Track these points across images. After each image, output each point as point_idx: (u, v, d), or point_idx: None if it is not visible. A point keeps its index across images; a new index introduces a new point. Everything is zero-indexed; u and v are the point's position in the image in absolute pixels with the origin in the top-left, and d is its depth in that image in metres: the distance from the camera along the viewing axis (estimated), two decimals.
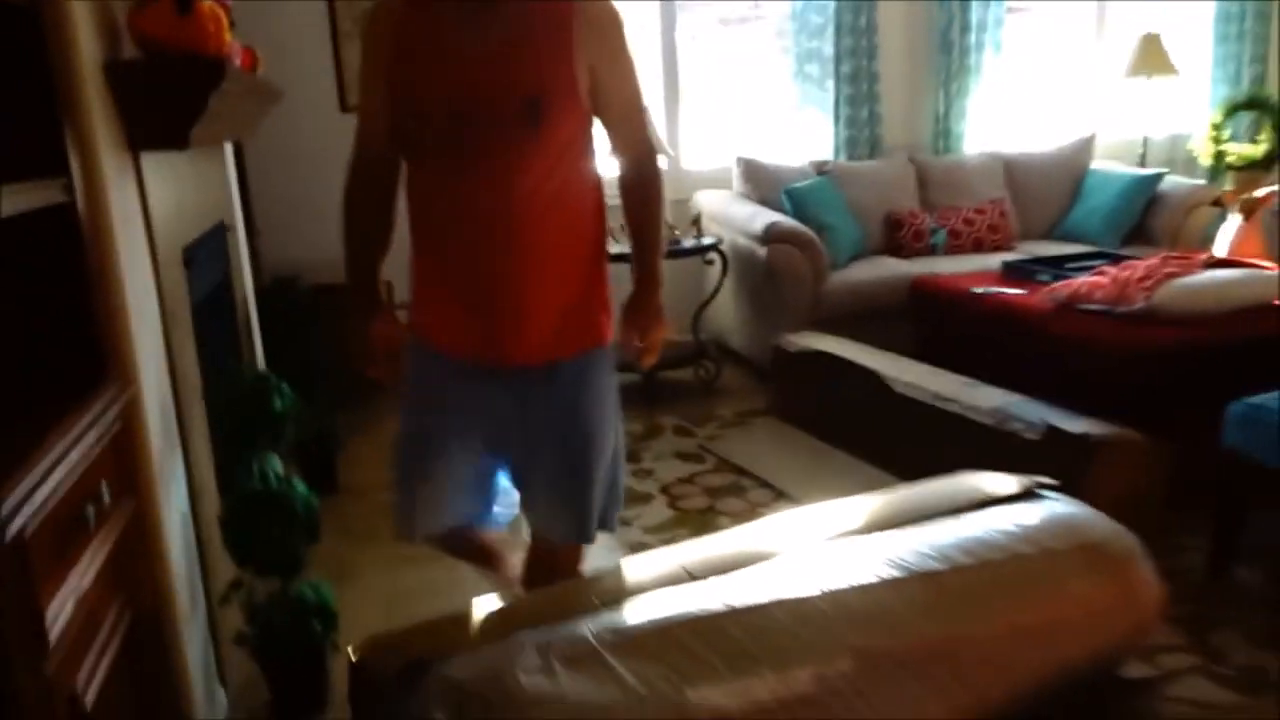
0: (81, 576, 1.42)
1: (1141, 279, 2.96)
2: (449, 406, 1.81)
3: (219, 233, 2.86)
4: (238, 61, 2.31)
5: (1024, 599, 1.82)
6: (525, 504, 1.90)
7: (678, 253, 4.26)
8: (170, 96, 1.90)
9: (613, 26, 1.73)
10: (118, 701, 1.56)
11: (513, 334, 1.76)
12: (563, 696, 1.40)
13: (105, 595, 1.54)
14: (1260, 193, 3.43)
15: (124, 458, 1.71)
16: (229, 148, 3.21)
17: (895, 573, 1.75)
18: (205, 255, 2.61)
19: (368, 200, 1.85)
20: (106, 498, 1.54)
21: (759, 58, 5.05)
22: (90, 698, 1.41)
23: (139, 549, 1.75)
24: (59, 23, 1.63)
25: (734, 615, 1.60)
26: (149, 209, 2.00)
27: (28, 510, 1.22)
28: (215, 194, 2.87)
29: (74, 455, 1.40)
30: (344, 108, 4.53)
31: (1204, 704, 2.08)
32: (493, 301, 1.74)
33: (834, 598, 1.68)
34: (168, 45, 1.92)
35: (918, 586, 1.74)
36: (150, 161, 2.02)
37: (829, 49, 4.85)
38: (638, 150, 1.87)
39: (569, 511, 1.83)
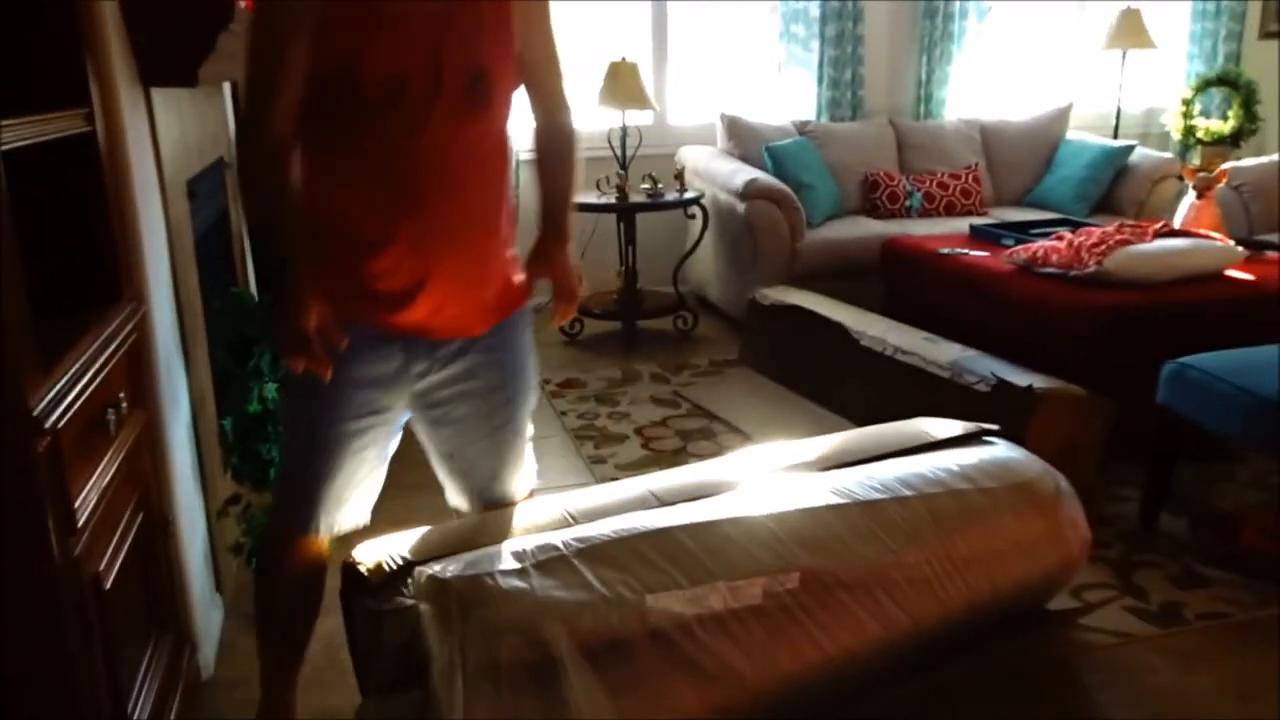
0: (103, 474, 1.56)
1: (1095, 244, 3.12)
2: (365, 382, 1.65)
3: (218, 168, 2.97)
4: (243, 3, 2.41)
5: (958, 530, 1.99)
6: (466, 473, 1.81)
7: (660, 205, 4.39)
8: (181, 34, 2.01)
9: None
10: (131, 590, 1.72)
11: (466, 306, 1.68)
12: (532, 593, 1.56)
13: (122, 494, 1.69)
14: (1215, 170, 3.58)
15: (137, 371, 1.85)
16: (228, 87, 3.31)
17: (841, 500, 1.93)
18: (206, 189, 2.73)
19: (283, 186, 1.56)
20: (125, 405, 1.68)
21: (747, 16, 5.13)
22: (108, 583, 1.57)
23: (149, 456, 1.90)
24: None
25: (692, 531, 1.77)
26: (158, 142, 2.12)
27: (61, 407, 1.36)
28: (216, 131, 2.97)
29: (99, 362, 1.54)
30: None
31: (1121, 633, 2.27)
32: (440, 279, 1.62)
33: (784, 520, 1.85)
34: None
35: (860, 514, 1.91)
36: (159, 96, 2.14)
37: (815, 10, 4.96)
38: (558, 107, 1.79)
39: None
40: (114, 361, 1.66)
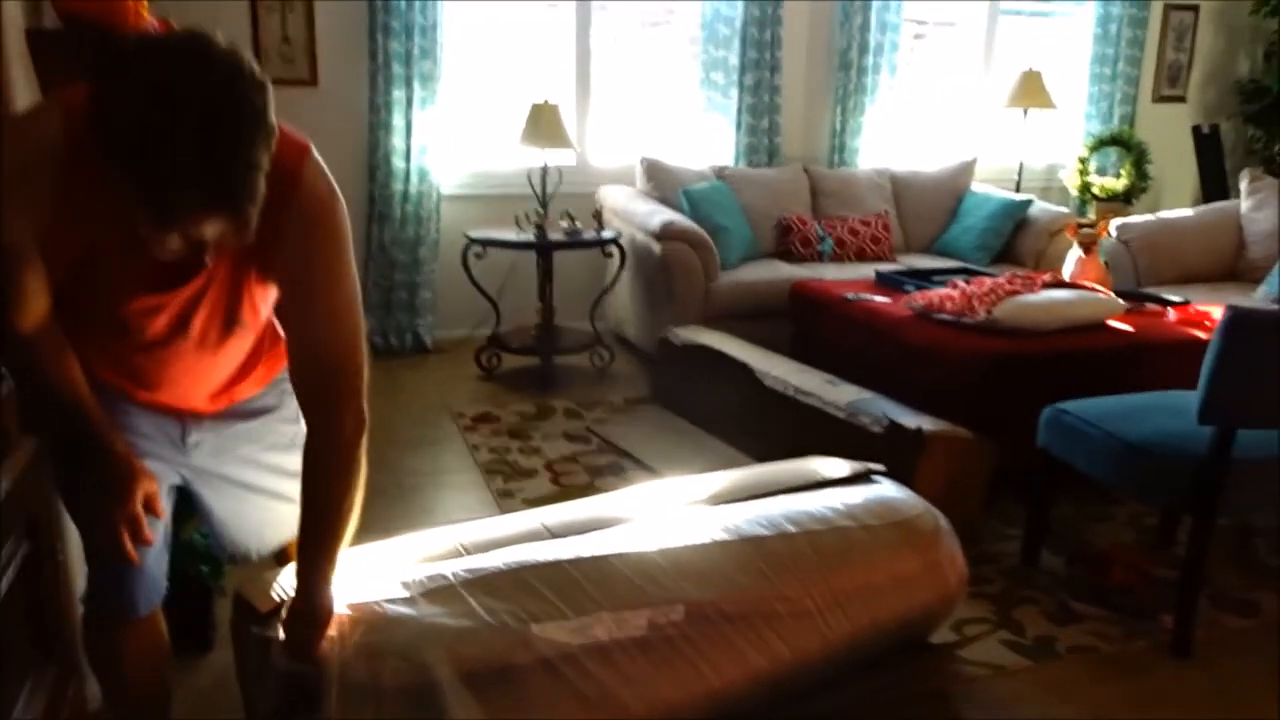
0: None
1: (986, 294, 3.28)
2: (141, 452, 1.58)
3: None
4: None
5: (840, 565, 2.08)
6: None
7: (578, 244, 4.47)
8: (84, 65, 2.03)
9: (312, 224, 1.44)
10: (11, 620, 1.70)
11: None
12: (417, 619, 1.60)
13: (6, 521, 1.68)
14: (1097, 227, 3.80)
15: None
16: None
17: (727, 536, 2.00)
18: None
19: (56, 350, 1.45)
20: (13, 431, 1.68)
21: (669, 62, 5.28)
22: None
23: (36, 488, 1.88)
24: None
25: (579, 564, 1.82)
26: None
27: None
28: None
29: None
30: None
31: (996, 665, 2.38)
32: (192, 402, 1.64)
33: (671, 554, 1.92)
34: (86, 17, 2.05)
35: (745, 548, 1.99)
36: None
37: (734, 59, 5.11)
38: (337, 375, 1.50)
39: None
40: (4, 391, 1.66)
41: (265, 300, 1.56)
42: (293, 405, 1.62)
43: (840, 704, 2.14)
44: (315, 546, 1.52)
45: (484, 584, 1.72)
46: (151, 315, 1.46)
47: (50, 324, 1.41)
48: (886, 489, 2.35)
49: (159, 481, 1.61)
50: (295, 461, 1.55)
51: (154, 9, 2.42)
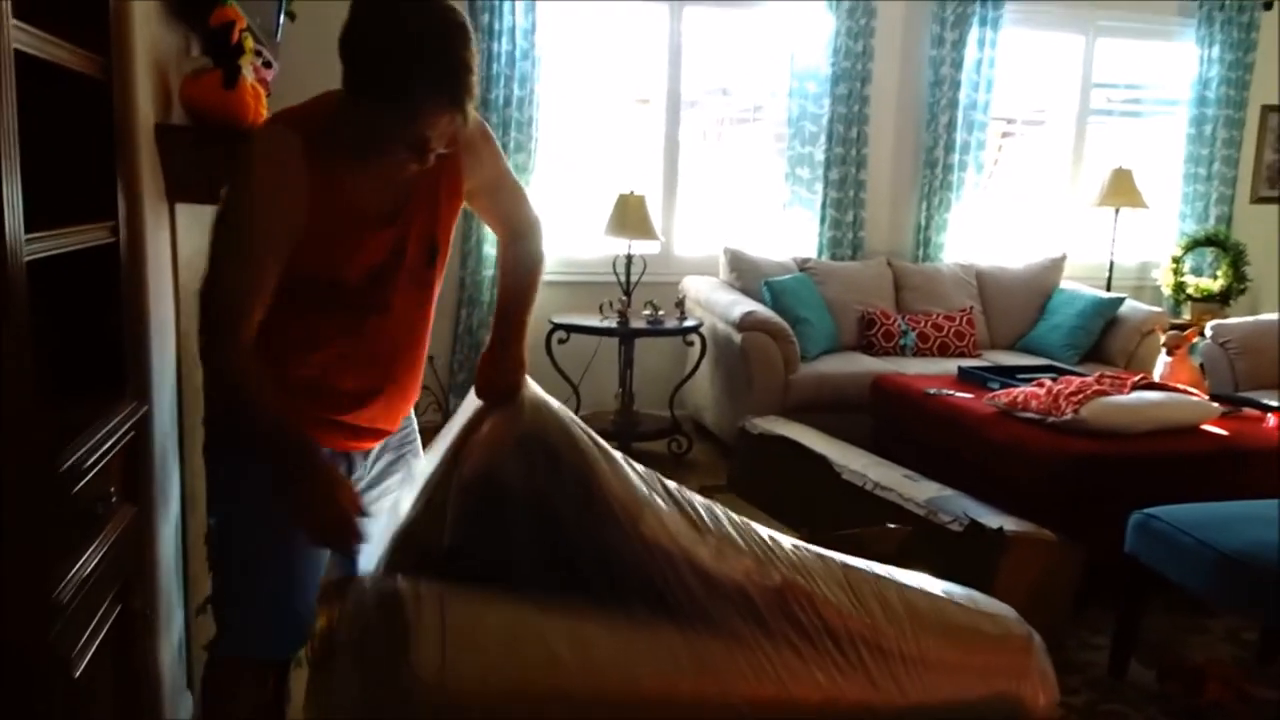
0: (86, 565, 1.64)
1: (1073, 393, 3.22)
2: None
3: None
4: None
5: (926, 624, 1.95)
6: None
7: (660, 331, 4.54)
8: (207, 159, 2.19)
9: (484, 140, 1.80)
10: (100, 680, 1.77)
11: (395, 416, 1.89)
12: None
13: (102, 587, 1.76)
14: (1187, 330, 3.72)
15: (131, 466, 1.95)
16: None
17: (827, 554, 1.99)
18: None
19: (263, 382, 1.62)
20: (114, 498, 1.77)
21: (755, 157, 5.40)
22: (77, 670, 1.63)
23: (134, 552, 1.97)
24: (124, 90, 1.91)
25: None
26: (177, 252, 2.27)
27: (57, 495, 1.46)
28: None
29: (94, 457, 1.64)
30: None
31: None
32: (393, 401, 1.84)
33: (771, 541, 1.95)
34: (211, 113, 2.21)
35: (841, 569, 1.95)
36: (183, 210, 2.30)
37: (820, 155, 5.21)
38: (531, 226, 1.95)
39: None
40: (109, 457, 1.76)
41: (452, 226, 1.82)
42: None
43: None
44: (514, 318, 1.89)
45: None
46: (372, 257, 1.68)
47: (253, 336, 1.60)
48: (980, 595, 2.27)
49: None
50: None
51: (271, 105, 2.61)
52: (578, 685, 1.61)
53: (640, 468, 1.88)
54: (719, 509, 1.94)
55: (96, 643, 1.72)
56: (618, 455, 1.83)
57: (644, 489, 1.80)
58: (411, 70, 1.48)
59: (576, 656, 1.61)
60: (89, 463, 1.62)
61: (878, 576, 1.99)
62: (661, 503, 1.79)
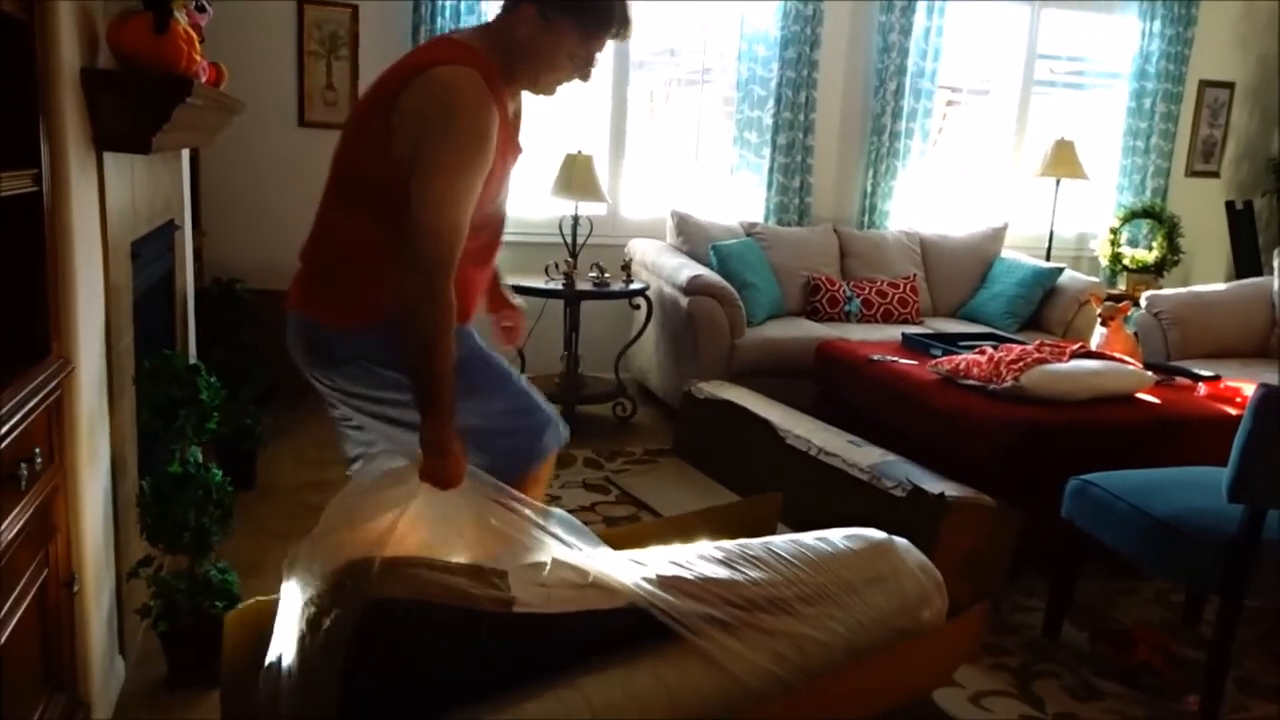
0: (8, 529, 1.57)
1: (1014, 361, 3.26)
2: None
3: (167, 230, 3.03)
4: (204, 78, 2.50)
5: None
6: None
7: (606, 294, 4.49)
8: (138, 106, 2.09)
9: None
10: (26, 648, 1.71)
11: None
12: None
13: (25, 552, 1.69)
14: (1121, 301, 3.79)
15: (58, 428, 1.87)
16: (186, 152, 3.39)
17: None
18: (152, 250, 2.78)
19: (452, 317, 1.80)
20: (39, 461, 1.70)
21: (703, 120, 5.35)
22: (1, 638, 1.57)
23: (60, 515, 1.90)
24: (46, 31, 1.81)
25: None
26: (105, 203, 2.17)
27: None
28: (168, 194, 3.04)
29: (16, 418, 1.57)
30: (302, 122, 4.71)
31: None
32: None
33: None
34: (142, 59, 2.11)
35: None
36: (111, 160, 2.20)
37: (769, 119, 5.18)
38: None
39: None
40: (33, 418, 1.69)
41: None
42: None
43: None
44: None
45: None
46: (505, 183, 1.97)
47: None
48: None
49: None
50: None
51: (206, 52, 2.50)
52: None
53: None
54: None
55: (21, 610, 1.66)
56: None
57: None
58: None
59: None
60: (10, 424, 1.55)
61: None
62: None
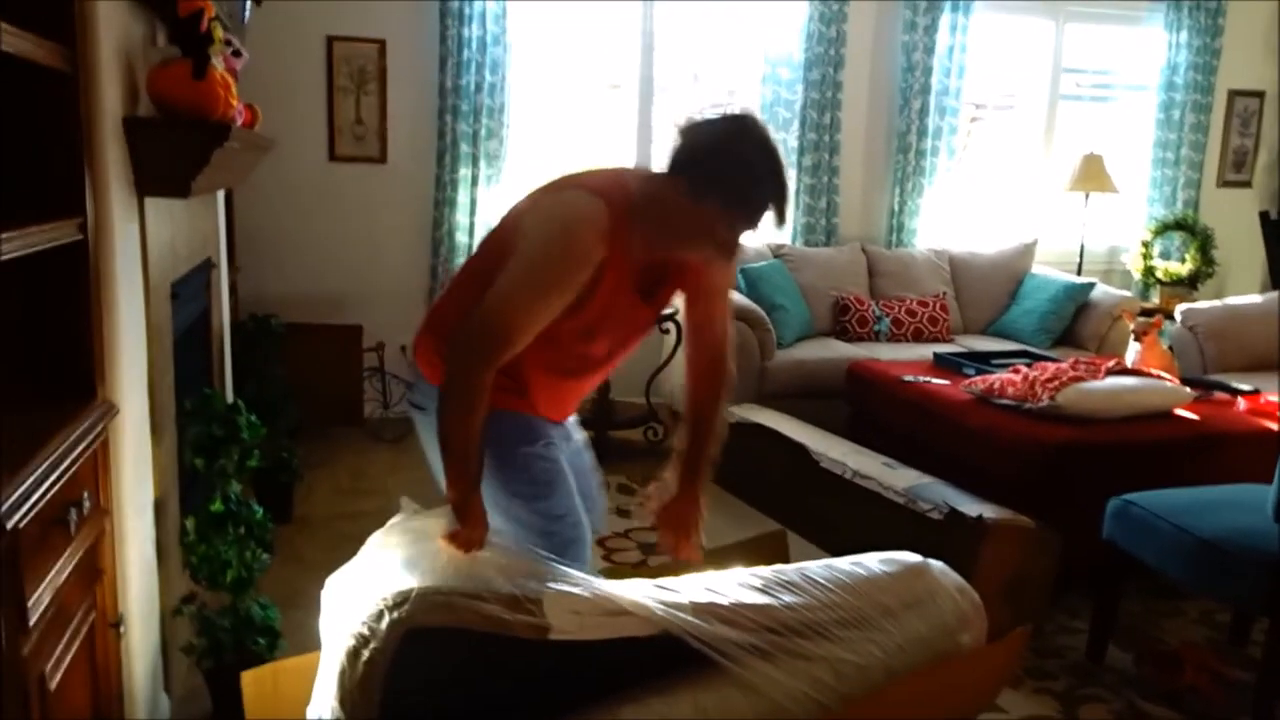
0: (59, 573, 1.60)
1: (1049, 380, 3.24)
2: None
3: (205, 269, 3.08)
4: (240, 120, 2.55)
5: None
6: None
7: None
8: (177, 151, 2.13)
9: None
10: (76, 689, 1.73)
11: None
12: None
13: (76, 593, 1.72)
14: (1154, 316, 3.75)
15: (103, 470, 1.90)
16: (221, 193, 3.45)
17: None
18: (190, 290, 2.83)
19: (482, 408, 1.83)
20: (87, 505, 1.73)
21: None
22: (54, 683, 1.59)
23: (105, 556, 1.93)
24: (89, 82, 1.85)
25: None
26: (147, 247, 2.21)
27: (24, 508, 1.41)
28: (205, 233, 3.09)
29: (65, 462, 1.60)
30: (332, 156, 4.78)
31: None
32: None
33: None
34: (181, 105, 2.15)
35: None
36: (151, 204, 2.24)
37: (794, 141, 5.19)
38: (727, 341, 2.15)
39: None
40: (80, 462, 1.72)
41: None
42: None
43: None
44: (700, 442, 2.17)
45: None
46: (623, 331, 1.96)
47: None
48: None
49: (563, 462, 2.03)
50: None
51: (239, 92, 2.54)
52: None
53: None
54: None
55: (72, 652, 1.68)
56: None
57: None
58: (764, 189, 1.76)
59: None
60: (60, 469, 1.58)
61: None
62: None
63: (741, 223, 1.78)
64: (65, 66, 1.76)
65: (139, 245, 2.18)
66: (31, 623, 1.46)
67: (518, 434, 1.95)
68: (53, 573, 1.56)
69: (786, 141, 5.18)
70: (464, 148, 4.76)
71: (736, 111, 1.81)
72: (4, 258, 1.44)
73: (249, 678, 1.90)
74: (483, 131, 4.75)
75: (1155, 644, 2.80)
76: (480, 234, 4.84)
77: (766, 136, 1.78)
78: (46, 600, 1.53)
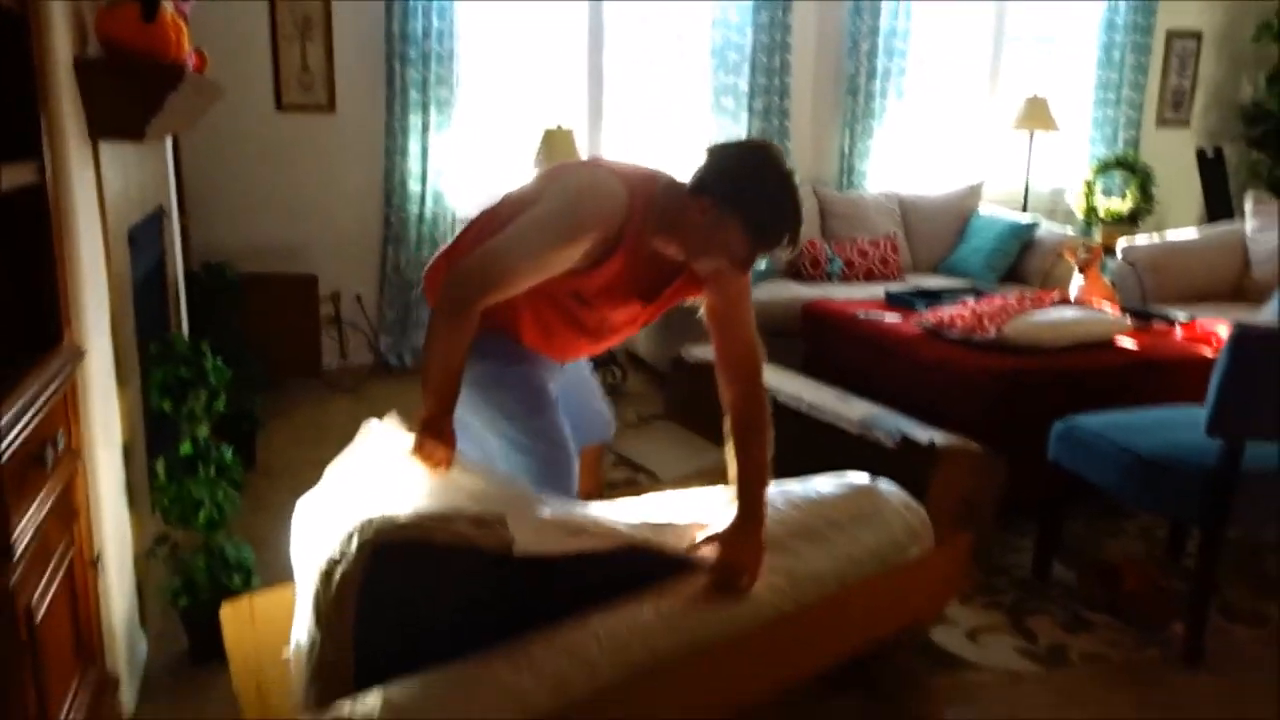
0: (39, 509, 1.62)
1: (996, 312, 3.34)
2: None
3: (157, 218, 3.05)
4: (191, 65, 2.52)
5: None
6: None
7: None
8: (131, 95, 2.12)
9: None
10: (59, 625, 1.76)
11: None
12: None
13: (55, 530, 1.75)
14: (1093, 249, 3.88)
15: (73, 413, 1.92)
16: (169, 138, 3.40)
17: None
18: (145, 237, 2.81)
19: (465, 344, 1.92)
20: (61, 444, 1.74)
21: (679, 88, 5.38)
22: (39, 616, 1.62)
23: (79, 496, 1.95)
24: (39, 24, 1.83)
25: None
26: (103, 192, 2.20)
27: (3, 442, 1.43)
28: (156, 181, 3.06)
29: (39, 401, 1.61)
30: (279, 106, 4.71)
31: (1010, 671, 2.43)
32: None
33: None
34: (131, 48, 2.13)
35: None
36: (105, 149, 2.23)
37: (744, 85, 5.21)
38: (756, 358, 2.29)
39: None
40: (53, 402, 1.73)
41: None
42: None
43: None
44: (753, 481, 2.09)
45: None
46: (619, 317, 2.09)
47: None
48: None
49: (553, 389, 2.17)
50: None
51: (193, 38, 2.51)
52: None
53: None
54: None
55: (54, 588, 1.71)
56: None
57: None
58: (785, 219, 1.86)
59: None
60: (35, 407, 1.59)
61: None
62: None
63: (759, 247, 1.87)
64: (14, 5, 1.74)
65: (95, 190, 2.17)
66: (16, 556, 1.48)
67: (510, 354, 2.08)
68: (33, 508, 1.59)
69: (737, 85, 5.21)
70: (414, 95, 4.72)
71: (759, 141, 2.00)
72: None
73: (228, 610, 1.94)
74: (432, 78, 4.71)
75: (1097, 559, 2.95)
76: (432, 182, 4.82)
77: (787, 168, 1.89)
78: (29, 535, 1.55)
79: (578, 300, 2.03)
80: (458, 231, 2.26)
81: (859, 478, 2.30)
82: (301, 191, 4.82)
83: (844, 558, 2.05)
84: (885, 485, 2.29)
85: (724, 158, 1.90)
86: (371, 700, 1.54)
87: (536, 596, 1.80)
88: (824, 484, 2.26)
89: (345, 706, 1.53)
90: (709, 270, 1.96)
